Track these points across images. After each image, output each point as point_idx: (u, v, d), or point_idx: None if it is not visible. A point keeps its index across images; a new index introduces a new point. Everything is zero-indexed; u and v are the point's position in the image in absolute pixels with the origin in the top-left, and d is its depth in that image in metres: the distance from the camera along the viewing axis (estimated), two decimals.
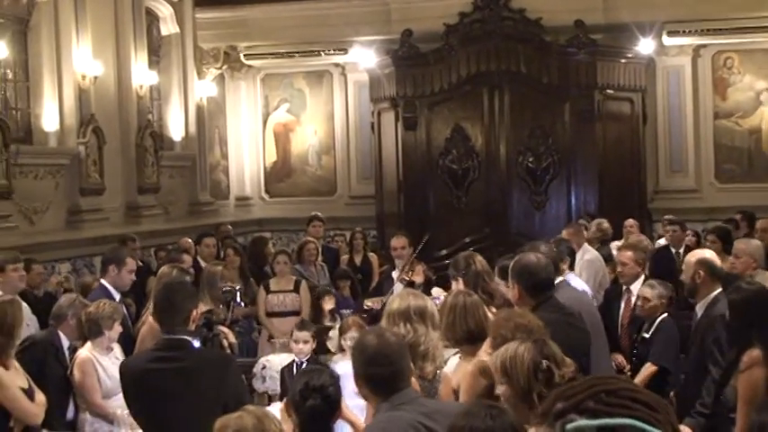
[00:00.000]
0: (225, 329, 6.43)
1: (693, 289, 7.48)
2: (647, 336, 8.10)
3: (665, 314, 8.11)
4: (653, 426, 1.94)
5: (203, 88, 17.90)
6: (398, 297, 5.98)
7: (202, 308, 8.39)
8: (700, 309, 7.40)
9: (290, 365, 8.18)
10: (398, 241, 11.08)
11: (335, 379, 4.73)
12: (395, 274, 10.64)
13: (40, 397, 6.65)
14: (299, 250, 12.53)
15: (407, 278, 10.16)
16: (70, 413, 7.55)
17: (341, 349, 7.80)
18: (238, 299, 7.74)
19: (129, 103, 15.22)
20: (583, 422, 1.97)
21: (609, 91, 16.68)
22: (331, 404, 4.49)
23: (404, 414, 4.23)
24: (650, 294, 8.15)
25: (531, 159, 16.51)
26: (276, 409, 5.88)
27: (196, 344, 5.57)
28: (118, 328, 7.51)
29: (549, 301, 6.19)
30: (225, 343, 6.08)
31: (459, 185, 16.80)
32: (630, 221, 13.86)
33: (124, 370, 5.71)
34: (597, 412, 1.98)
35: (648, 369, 7.90)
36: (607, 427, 1.95)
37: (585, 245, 11.77)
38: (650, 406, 1.98)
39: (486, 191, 16.77)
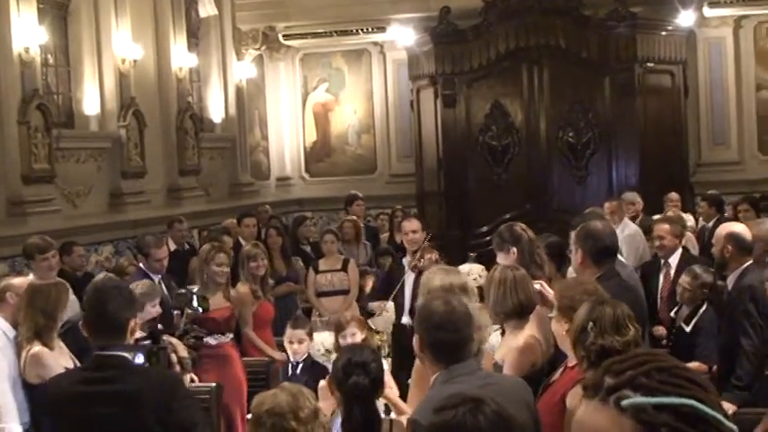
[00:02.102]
0: (174, 341, 5.29)
1: (723, 263, 7.42)
2: (686, 328, 7.99)
3: (706, 304, 7.99)
4: (707, 406, 1.92)
5: (242, 69, 17.95)
6: (437, 273, 5.93)
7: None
8: (730, 281, 7.35)
9: (284, 366, 7.88)
10: (410, 224, 9.80)
11: (377, 355, 4.75)
12: (405, 262, 9.68)
13: None
14: (338, 229, 12.61)
15: (420, 266, 9.09)
16: None
17: (338, 348, 6.88)
18: (195, 303, 6.32)
19: (168, 85, 15.31)
20: (640, 399, 1.93)
21: (649, 64, 16.52)
22: (374, 380, 4.51)
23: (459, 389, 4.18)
24: (690, 285, 8.06)
25: (571, 134, 16.43)
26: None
27: (139, 359, 4.67)
28: (155, 309, 7.58)
29: (611, 272, 6.17)
30: (174, 358, 5.01)
31: (499, 162, 16.75)
32: (673, 195, 13.76)
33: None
34: (653, 389, 1.94)
35: (698, 367, 7.70)
36: (664, 405, 1.93)
37: (626, 219, 11.72)
38: (703, 386, 1.95)
39: (526, 167, 16.71)
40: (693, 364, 7.51)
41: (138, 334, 4.88)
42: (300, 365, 7.58)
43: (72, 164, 13.28)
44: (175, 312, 6.42)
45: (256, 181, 18.45)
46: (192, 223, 14.60)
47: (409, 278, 9.26)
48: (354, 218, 13.65)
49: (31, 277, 7.82)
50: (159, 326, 5.22)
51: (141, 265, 9.38)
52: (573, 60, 16.31)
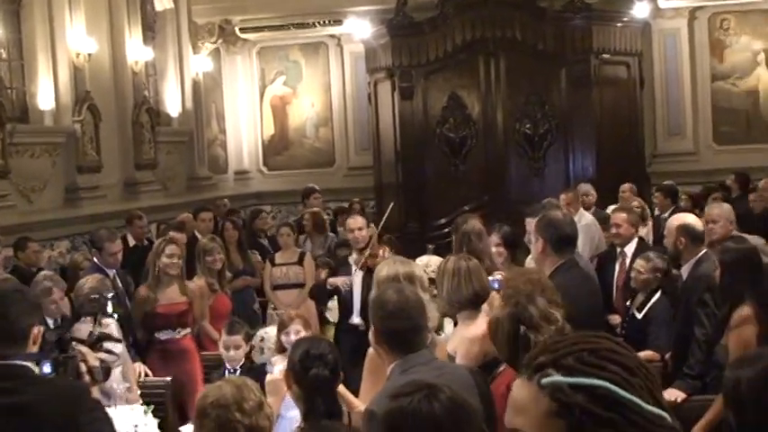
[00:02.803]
0: (84, 350, 4.84)
1: (677, 254, 7.49)
2: (638, 315, 8.04)
3: (659, 292, 8.04)
4: (626, 390, 1.93)
5: (199, 63, 17.89)
6: (386, 264, 5.99)
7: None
8: (685, 271, 7.42)
9: (221, 373, 7.34)
10: (354, 222, 9.37)
11: (333, 346, 4.75)
12: (352, 260, 9.22)
13: None
14: (299, 222, 12.62)
15: (368, 264, 8.73)
16: None
17: (281, 349, 6.67)
18: (109, 309, 5.80)
19: (124, 79, 15.23)
20: (557, 378, 1.97)
21: (605, 55, 16.62)
22: (333, 371, 4.50)
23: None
24: (644, 267, 8.11)
25: (528, 126, 16.49)
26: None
27: (46, 369, 4.30)
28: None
29: (572, 261, 6.21)
30: (83, 367, 4.59)
31: (457, 154, 16.79)
32: (626, 186, 13.83)
33: None
34: (573, 370, 1.97)
35: (650, 356, 7.73)
36: (580, 386, 1.95)
37: (582, 210, 11.82)
38: (630, 369, 1.96)
39: (483, 159, 16.75)
40: (646, 353, 7.57)
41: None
42: (238, 372, 7.19)
43: (26, 159, 13.17)
44: (87, 318, 5.94)
45: (214, 175, 18.40)
46: (149, 218, 14.49)
47: (357, 277, 8.93)
48: (316, 209, 13.64)
49: None
50: (68, 333, 4.87)
51: (95, 259, 9.33)
52: (529, 52, 16.36)
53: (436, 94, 16.89)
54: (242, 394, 3.89)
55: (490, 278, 6.03)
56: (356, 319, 8.82)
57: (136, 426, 6.22)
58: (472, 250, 7.56)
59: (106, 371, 4.87)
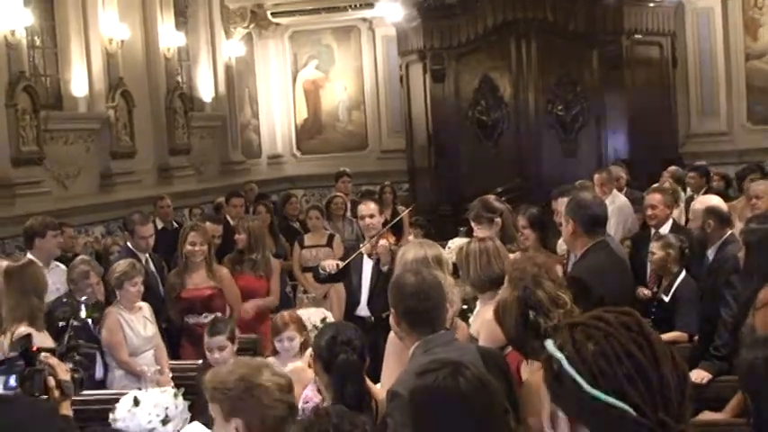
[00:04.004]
0: (53, 361, 4.29)
1: (704, 236, 7.47)
2: (665, 298, 8.03)
3: (683, 273, 8.04)
4: (577, 367, 1.94)
5: (231, 48, 17.95)
6: (412, 247, 6.01)
7: None
8: (711, 252, 7.39)
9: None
10: (366, 208, 8.68)
11: (359, 331, 4.77)
12: (363, 249, 8.46)
13: None
14: (326, 205, 12.62)
15: (375, 252, 8.18)
16: (100, 372, 7.72)
17: (274, 352, 6.43)
18: (83, 313, 5.14)
19: (157, 65, 15.35)
20: (548, 344, 2.01)
21: (637, 36, 16.52)
22: (361, 357, 4.55)
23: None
24: (655, 247, 8.11)
25: (560, 107, 16.43)
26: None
27: (11, 383, 3.95)
28: (135, 288, 7.65)
29: (603, 243, 6.16)
30: (52, 382, 4.07)
31: (489, 136, 16.78)
32: (671, 168, 13.67)
33: None
34: (557, 340, 2.01)
35: (677, 336, 7.71)
36: (549, 355, 2.00)
37: (615, 191, 11.78)
38: (606, 354, 1.93)
39: (516, 140, 16.73)
40: (673, 334, 7.58)
41: (9, 353, 4.22)
42: None
43: (61, 145, 13.32)
44: (60, 324, 5.17)
45: (247, 159, 18.48)
46: (183, 202, 14.66)
47: (367, 266, 8.24)
48: (340, 194, 13.67)
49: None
50: (35, 344, 4.29)
51: (128, 243, 9.44)
52: (561, 33, 16.29)
53: (468, 77, 16.87)
54: (276, 372, 3.85)
55: None
56: (363, 311, 8.18)
57: (167, 408, 6.27)
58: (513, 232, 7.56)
59: (79, 383, 4.29)
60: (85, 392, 7.22)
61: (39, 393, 3.98)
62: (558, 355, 1.95)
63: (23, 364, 4.03)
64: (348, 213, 12.79)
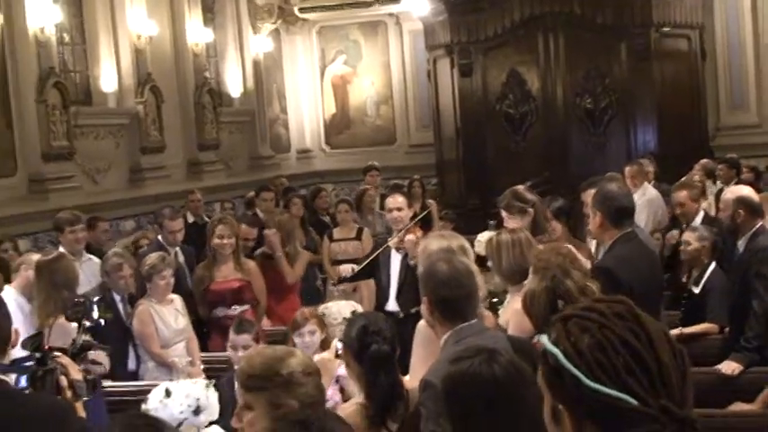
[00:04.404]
0: (65, 361, 4.14)
1: (734, 227, 7.44)
2: (695, 290, 8.00)
3: (713, 264, 8.01)
4: (573, 361, 1.91)
5: (259, 44, 18.01)
6: (435, 238, 6.01)
7: None
8: (741, 243, 7.35)
9: (229, 378, 6.40)
10: (394, 201, 8.51)
11: (390, 321, 4.78)
12: (391, 242, 8.38)
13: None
14: (357, 199, 12.64)
15: (403, 246, 8.04)
16: (132, 364, 7.79)
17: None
18: (95, 314, 4.92)
19: (185, 61, 15.43)
20: (544, 339, 2.01)
21: (665, 29, 16.45)
22: (393, 346, 4.52)
23: None
24: (691, 237, 8.09)
25: (588, 101, 16.39)
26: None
27: (21, 384, 3.82)
28: (164, 282, 7.72)
29: (631, 234, 6.10)
30: (64, 381, 3.93)
31: (517, 130, 16.76)
32: (703, 161, 13.61)
33: None
34: (551, 334, 2.01)
35: (707, 328, 7.70)
36: (545, 350, 2.00)
37: (646, 184, 11.77)
38: (600, 344, 1.91)
39: (544, 134, 16.69)
40: (704, 326, 7.56)
41: (20, 352, 4.07)
42: None
43: (91, 140, 13.43)
44: (72, 326, 4.95)
45: (276, 154, 18.55)
46: (212, 197, 14.73)
47: (395, 260, 8.16)
48: (371, 187, 13.70)
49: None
50: (46, 344, 4.15)
51: (159, 237, 9.52)
52: (588, 27, 16.24)
53: (495, 71, 16.85)
54: (304, 355, 3.86)
55: None
56: (392, 306, 8.09)
57: (198, 399, 6.31)
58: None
59: (92, 384, 4.14)
60: (118, 384, 7.34)
61: (50, 393, 3.88)
62: (555, 349, 1.94)
63: (35, 364, 3.92)
64: (378, 207, 12.83)
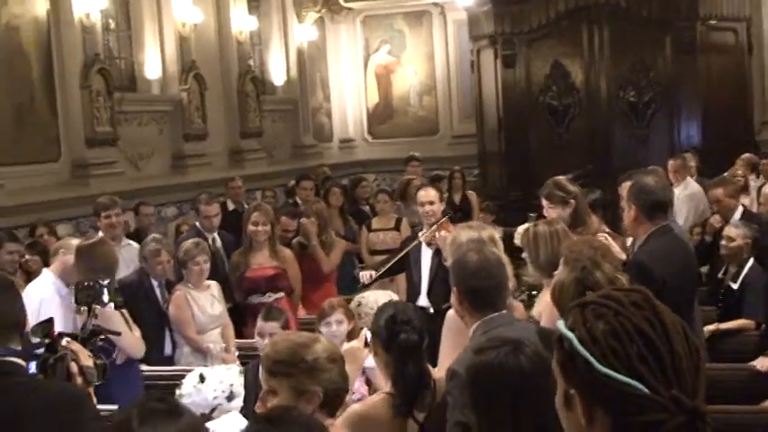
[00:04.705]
0: (76, 347, 4.05)
1: None
2: (734, 286, 7.95)
3: (751, 260, 7.95)
4: (588, 347, 1.93)
5: (303, 32, 18.06)
6: (463, 229, 6.01)
7: None
8: None
9: (254, 366, 6.15)
10: (426, 194, 8.31)
11: (419, 311, 4.79)
12: (421, 236, 8.18)
13: (137, 333, 6.92)
14: (402, 189, 12.65)
15: (434, 242, 7.86)
16: (169, 349, 7.86)
17: None
18: (105, 298, 4.72)
19: (229, 48, 15.51)
20: (560, 324, 2.03)
21: (711, 22, 16.30)
22: (421, 336, 4.53)
23: None
24: (734, 234, 8.03)
25: (632, 94, 16.26)
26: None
27: (31, 371, 3.78)
28: (197, 267, 7.79)
29: (665, 228, 6.05)
30: (74, 368, 3.86)
31: (560, 122, 16.67)
32: (746, 156, 13.49)
33: None
34: (567, 319, 2.03)
35: (745, 324, 7.70)
36: (561, 336, 2.02)
37: (688, 179, 11.70)
38: (615, 331, 1.93)
39: (587, 126, 16.59)
40: (740, 321, 7.52)
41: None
42: None
43: (134, 127, 13.54)
44: (82, 308, 4.79)
45: (319, 143, 18.60)
46: (254, 185, 14.79)
47: (426, 255, 7.99)
48: (416, 177, 13.70)
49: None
50: (57, 330, 4.10)
51: (197, 223, 9.60)
52: (633, 19, 16.11)
53: (539, 62, 16.77)
54: (329, 343, 3.88)
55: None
56: (423, 301, 7.92)
57: (231, 385, 6.37)
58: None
59: (102, 369, 4.06)
60: (153, 368, 7.42)
61: (61, 380, 3.86)
62: (570, 334, 1.96)
63: (44, 350, 3.88)
64: None
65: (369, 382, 5.73)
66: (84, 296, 4.72)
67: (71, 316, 6.79)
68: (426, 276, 7.93)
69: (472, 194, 14.17)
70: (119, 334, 5.33)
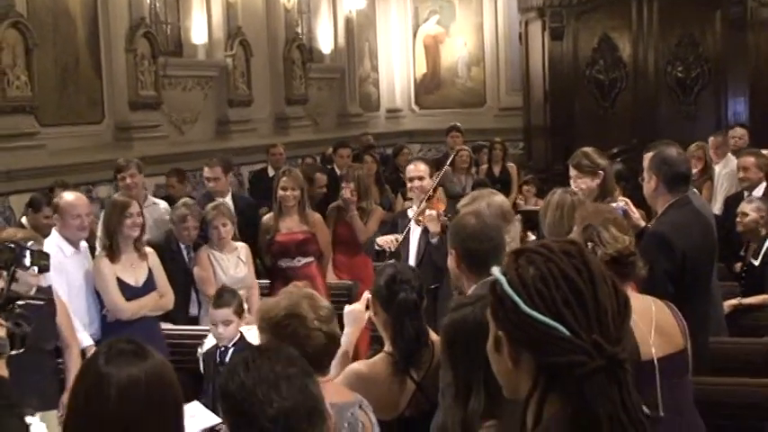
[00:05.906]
0: None
1: None
2: (755, 262, 7.91)
3: None
4: (516, 290, 2.01)
5: (352, 1, 18.06)
6: (471, 197, 6.04)
7: None
8: None
9: (212, 350, 6.40)
10: (415, 169, 7.90)
11: (417, 272, 4.86)
12: (411, 213, 7.86)
13: (162, 293, 7.15)
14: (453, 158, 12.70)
15: (422, 220, 7.44)
16: (194, 309, 8.03)
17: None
18: (27, 261, 4.16)
19: (276, 16, 15.55)
20: (495, 269, 2.12)
21: None
22: (420, 295, 4.60)
23: None
24: (748, 209, 7.99)
25: (679, 69, 16.19)
26: None
27: None
28: (219, 229, 7.96)
29: (685, 199, 6.03)
30: None
31: (606, 96, 16.63)
32: None
33: None
34: (501, 264, 2.13)
35: (765, 300, 7.66)
36: (493, 279, 2.12)
37: (729, 155, 11.60)
38: (544, 277, 2.01)
39: (633, 101, 16.54)
40: (762, 297, 7.50)
41: None
42: (231, 351, 6.25)
43: (179, 91, 13.66)
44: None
45: (365, 112, 18.62)
46: (299, 152, 14.88)
47: (414, 232, 7.61)
48: (466, 148, 13.69)
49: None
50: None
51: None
52: None
53: (586, 36, 16.71)
54: (316, 303, 3.94)
55: (614, 204, 6.01)
56: None
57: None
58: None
59: (21, 339, 3.66)
60: (175, 327, 7.56)
61: None
62: (501, 278, 2.05)
63: None
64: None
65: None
66: (2, 259, 4.09)
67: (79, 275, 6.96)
68: (414, 255, 7.53)
69: (513, 167, 14.16)
70: (43, 300, 5.01)
